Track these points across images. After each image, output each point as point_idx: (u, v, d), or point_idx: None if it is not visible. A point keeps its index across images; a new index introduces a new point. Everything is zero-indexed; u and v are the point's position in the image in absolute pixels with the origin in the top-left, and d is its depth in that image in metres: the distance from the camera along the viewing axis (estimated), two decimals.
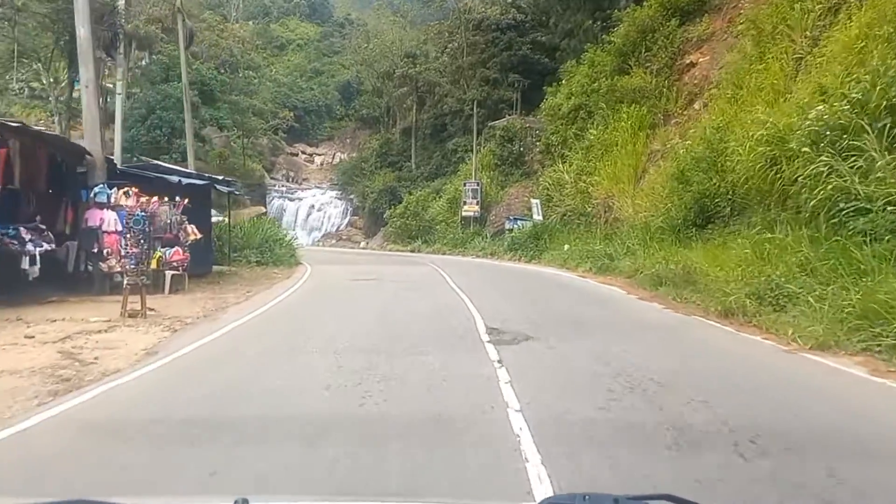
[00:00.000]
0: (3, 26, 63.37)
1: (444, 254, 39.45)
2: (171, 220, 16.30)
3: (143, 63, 65.88)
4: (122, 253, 12.46)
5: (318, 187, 74.22)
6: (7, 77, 78.68)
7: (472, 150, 54.92)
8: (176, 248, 16.28)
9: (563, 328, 11.84)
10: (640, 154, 30.47)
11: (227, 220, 27.18)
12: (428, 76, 61.94)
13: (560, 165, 35.16)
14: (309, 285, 19.30)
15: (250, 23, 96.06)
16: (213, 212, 44.48)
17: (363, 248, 49.13)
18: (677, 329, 12.22)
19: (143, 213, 12.31)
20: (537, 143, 39.95)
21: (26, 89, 76.84)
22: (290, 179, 79.67)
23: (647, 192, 27.41)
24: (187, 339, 10.36)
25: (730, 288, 13.87)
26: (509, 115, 50.66)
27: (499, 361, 8.75)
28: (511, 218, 37.57)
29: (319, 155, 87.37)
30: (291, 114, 75.23)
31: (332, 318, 12.42)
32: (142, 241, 12.12)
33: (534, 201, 35.67)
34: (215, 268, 22.29)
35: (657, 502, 1.83)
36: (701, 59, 31.80)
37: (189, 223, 17.44)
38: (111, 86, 65.42)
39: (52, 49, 61.50)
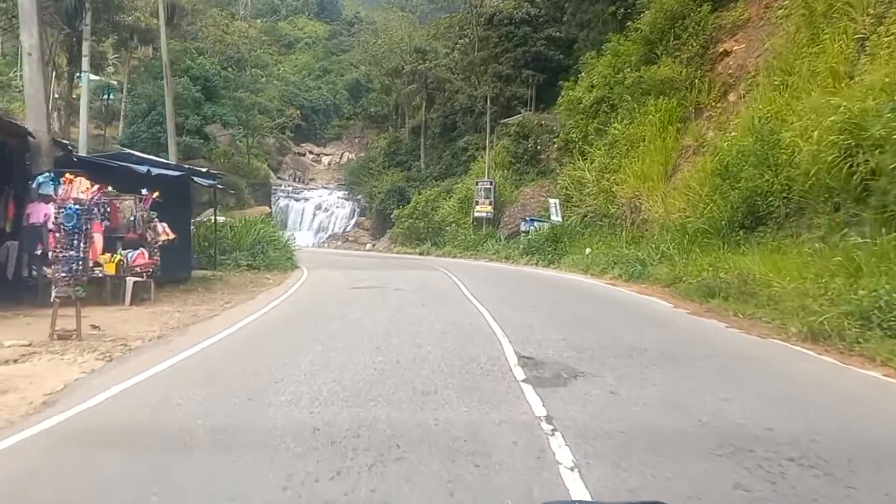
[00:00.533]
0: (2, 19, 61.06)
1: (454, 257, 36.59)
2: (135, 216, 13.52)
3: (149, 58, 63.53)
4: (51, 257, 9.65)
5: (325, 187, 71.53)
6: (11, 73, 76.55)
7: (483, 149, 52.12)
8: (140, 250, 13.51)
9: (615, 357, 8.99)
10: (670, 150, 27.60)
11: (221, 218, 24.52)
12: (438, 73, 59.09)
13: (580, 163, 32.26)
14: (300, 295, 16.43)
15: (258, 21, 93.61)
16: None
17: (369, 251, 46.04)
18: (762, 360, 9.34)
19: (75, 207, 9.47)
20: (555, 140, 37.06)
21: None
22: (298, 179, 77.07)
23: (680, 191, 24.52)
24: (115, 376, 7.54)
25: (816, 304, 11.01)
26: (523, 112, 47.77)
27: (546, 419, 5.94)
28: (527, 219, 34.66)
29: (327, 155, 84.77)
30: (298, 111, 72.64)
31: (319, 342, 9.58)
32: (76, 241, 9.30)
33: (552, 201, 32.75)
34: (199, 273, 19.53)
35: None
36: (736, 48, 28.92)
37: (161, 221, 14.63)
38: (115, 83, 63.00)
39: (52, 44, 59.12)
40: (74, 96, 71.03)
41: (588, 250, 27.47)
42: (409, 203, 47.05)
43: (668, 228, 22.87)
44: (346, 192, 66.44)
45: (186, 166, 21.30)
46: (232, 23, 72.21)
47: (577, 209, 31.59)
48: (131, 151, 21.28)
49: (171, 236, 14.62)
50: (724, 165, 20.48)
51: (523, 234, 33.68)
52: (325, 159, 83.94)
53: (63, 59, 59.63)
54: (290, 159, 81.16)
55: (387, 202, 56.18)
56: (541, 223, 32.96)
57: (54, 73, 60.11)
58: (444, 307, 14.17)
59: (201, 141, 54.65)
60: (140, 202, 13.93)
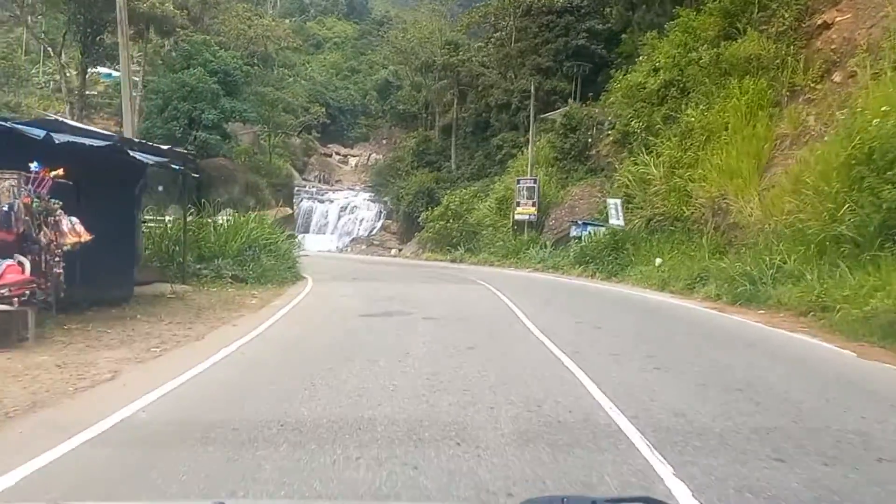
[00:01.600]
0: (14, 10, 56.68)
1: (491, 265, 31.08)
2: (12, 205, 8.17)
3: (166, 49, 58.79)
4: None
5: (351, 189, 66.31)
6: (33, 70, 72.13)
7: (521, 147, 46.69)
8: (14, 259, 8.16)
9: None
10: (762, 139, 21.83)
11: (197, 217, 19.24)
12: (471, 67, 53.52)
13: (644, 157, 26.49)
14: (282, 329, 10.93)
15: (286, 20, 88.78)
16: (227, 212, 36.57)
17: (395, 256, 40.16)
18: None
19: None
20: (609, 133, 31.24)
21: (51, 83, 69.95)
22: (323, 181, 72.04)
23: (784, 188, 18.76)
24: None
25: None
26: (562, 107, 42.08)
27: None
28: (578, 223, 28.88)
29: (354, 156, 79.70)
30: (323, 108, 67.49)
31: (266, 471, 4.12)
32: None
33: (612, 202, 26.92)
34: (162, 287, 14.14)
35: None
36: (839, 19, 23.10)
37: (70, 215, 9.24)
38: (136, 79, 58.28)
39: (64, 33, 54.46)
40: (88, 92, 66.72)
41: (658, 261, 21.81)
42: (439, 204, 41.55)
43: (781, 236, 17.11)
44: (373, 194, 61.12)
45: (129, 138, 15.94)
46: (258, 18, 67.13)
47: (641, 211, 25.87)
48: (57, 117, 15.58)
49: (83, 238, 9.17)
50: (867, 152, 14.74)
51: (574, 241, 27.95)
52: (352, 160, 78.88)
53: (76, 51, 55.05)
54: (316, 160, 76.27)
55: (415, 204, 50.83)
56: (596, 227, 27.22)
57: (74, 70, 55.60)
58: (505, 355, 8.68)
59: (219, 137, 49.54)
60: (29, 184, 8.56)
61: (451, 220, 34.90)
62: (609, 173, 30.41)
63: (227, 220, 20.51)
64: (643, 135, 27.28)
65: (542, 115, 41.48)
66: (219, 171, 56.71)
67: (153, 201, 21.87)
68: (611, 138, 30.81)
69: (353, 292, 16.95)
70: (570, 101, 42.36)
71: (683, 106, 25.51)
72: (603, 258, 24.75)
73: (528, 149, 39.28)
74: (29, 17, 53.65)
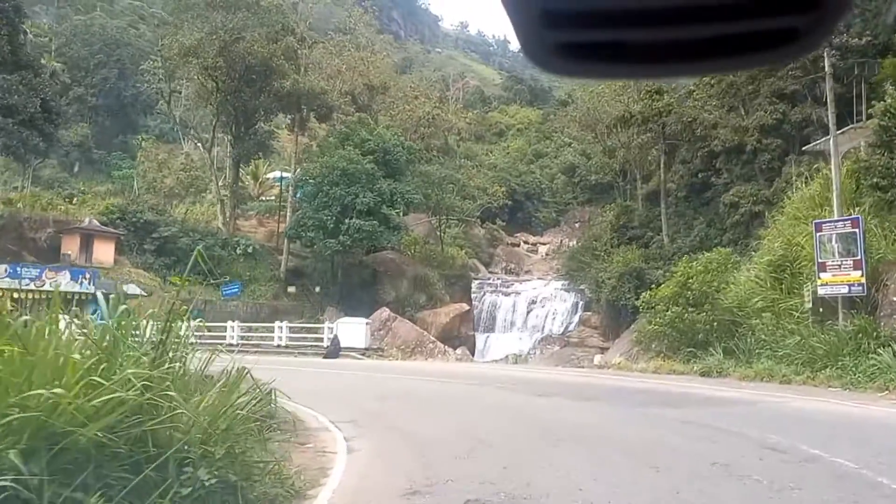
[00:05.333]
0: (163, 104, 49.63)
1: (780, 381, 15.38)
2: None
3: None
4: None
5: (541, 279, 52.11)
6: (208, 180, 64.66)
7: (767, 203, 30.86)
8: None
9: None
10: None
11: None
12: (681, 111, 38.40)
13: None
14: None
15: (470, 112, 78.73)
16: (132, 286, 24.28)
17: (600, 367, 23.63)
18: None
19: None
20: None
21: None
22: (510, 272, 58.70)
23: None
24: None
25: None
26: (818, 139, 25.80)
27: None
28: None
29: (543, 244, 66.10)
30: (503, 189, 54.62)
31: None
32: None
33: None
34: None
35: None
36: None
37: None
38: (288, 175, 48.59)
39: (214, 123, 46.26)
40: (265, 198, 58.82)
41: None
42: (658, 284, 26.15)
43: None
44: (566, 282, 46.48)
45: None
46: (427, 101, 56.50)
47: None
48: None
49: None
50: None
51: None
52: (542, 249, 65.25)
53: (227, 142, 46.76)
54: (503, 251, 63.48)
55: (620, 290, 35.92)
56: None
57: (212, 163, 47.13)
58: None
59: (376, 223, 37.71)
60: None
61: (690, 303, 19.06)
62: None
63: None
64: None
65: (809, 146, 25.59)
66: (385, 265, 45.03)
67: None
68: None
69: None
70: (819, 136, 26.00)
71: None
72: None
73: (788, 199, 23.50)
74: (177, 114, 46.34)
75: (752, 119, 33.17)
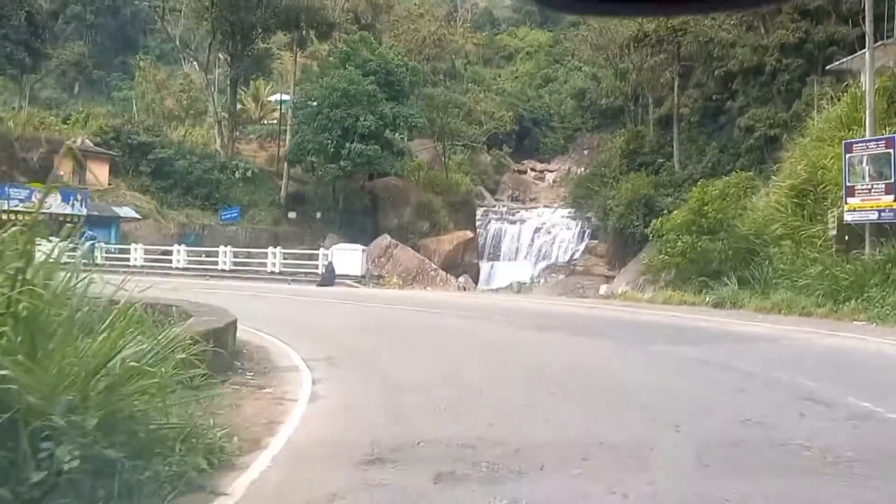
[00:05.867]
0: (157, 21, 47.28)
1: (799, 314, 14.12)
2: None
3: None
4: None
5: (547, 206, 50.57)
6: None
7: (784, 127, 29.05)
8: None
9: None
10: None
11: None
12: (697, 30, 35.96)
13: None
14: None
15: (479, 33, 75.36)
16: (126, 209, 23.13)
17: (606, 297, 22.02)
18: None
19: None
20: None
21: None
22: (516, 199, 57.13)
23: None
24: None
25: None
26: (843, 58, 23.74)
27: None
28: None
29: (551, 171, 64.03)
30: (510, 114, 52.38)
31: None
32: None
33: None
34: None
35: None
36: None
37: None
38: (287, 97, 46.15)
39: (210, 41, 43.94)
40: (266, 121, 56.58)
41: None
42: (668, 211, 24.61)
43: None
44: (573, 210, 44.90)
45: None
46: (422, 15, 53.58)
47: None
48: None
49: None
50: None
51: None
52: (549, 176, 63.24)
53: (224, 61, 44.51)
54: (509, 178, 61.62)
55: (628, 217, 34.51)
56: None
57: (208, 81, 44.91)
58: None
59: (377, 148, 36.02)
60: None
61: (704, 231, 17.43)
62: None
63: None
64: None
65: (833, 64, 23.61)
66: (388, 191, 43.46)
67: None
68: None
69: None
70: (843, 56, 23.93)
71: None
72: None
73: (811, 121, 21.70)
74: (176, 33, 43.82)
75: (772, 38, 30.97)
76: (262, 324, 10.91)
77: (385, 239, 32.46)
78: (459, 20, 76.22)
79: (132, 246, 27.57)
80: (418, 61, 47.21)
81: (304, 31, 40.96)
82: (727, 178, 18.99)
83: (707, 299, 16.51)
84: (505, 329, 12.56)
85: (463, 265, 39.46)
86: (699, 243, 17.46)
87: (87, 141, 33.60)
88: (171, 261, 25.57)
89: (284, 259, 26.30)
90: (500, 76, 72.57)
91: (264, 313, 13.07)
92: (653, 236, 20.47)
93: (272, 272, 24.99)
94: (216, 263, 25.95)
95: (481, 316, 14.69)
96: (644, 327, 13.33)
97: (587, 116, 55.86)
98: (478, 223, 45.35)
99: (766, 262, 16.57)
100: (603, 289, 22.31)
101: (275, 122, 51.55)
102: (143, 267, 26.51)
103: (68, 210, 28.97)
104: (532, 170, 64.93)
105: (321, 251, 25.66)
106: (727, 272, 17.01)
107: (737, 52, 32.08)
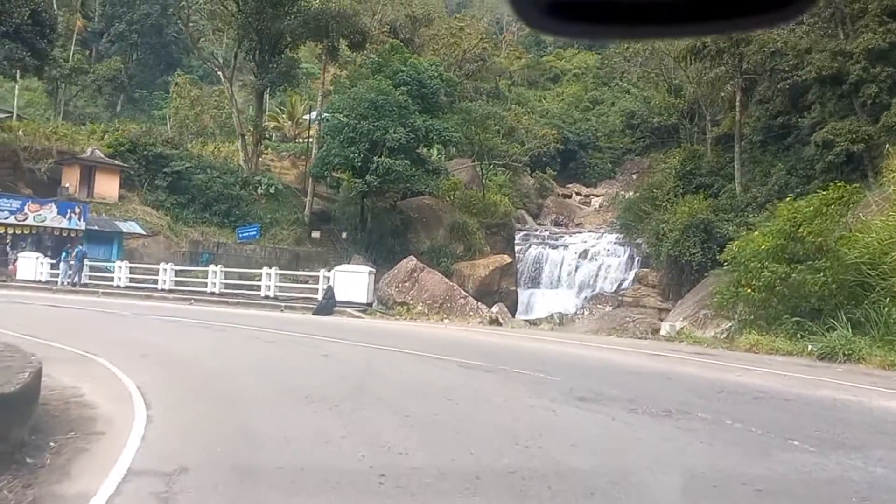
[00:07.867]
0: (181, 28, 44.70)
1: None
2: None
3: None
4: None
5: (592, 231, 46.21)
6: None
7: (870, 143, 24.55)
8: None
9: None
10: None
11: None
12: (763, 39, 31.57)
13: None
14: None
15: (521, 58, 71.95)
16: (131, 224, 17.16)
17: (670, 338, 17.14)
18: None
19: None
20: None
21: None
22: (560, 224, 52.86)
23: None
24: None
25: None
26: None
27: None
28: None
29: (597, 195, 59.68)
30: (553, 132, 48.38)
31: None
32: None
33: None
34: None
35: None
36: None
37: None
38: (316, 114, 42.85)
39: (235, 53, 41.06)
40: (301, 139, 53.67)
41: None
42: (730, 239, 20.11)
43: None
44: (621, 235, 40.53)
45: None
46: (465, 27, 50.20)
47: None
48: None
49: None
50: None
51: None
52: (595, 201, 58.87)
53: (251, 71, 41.52)
54: (553, 202, 57.38)
55: (683, 244, 30.23)
56: None
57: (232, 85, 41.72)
58: None
59: (407, 163, 32.42)
60: None
61: (798, 258, 12.86)
62: None
63: None
64: None
65: None
66: (420, 211, 39.69)
67: None
68: None
69: None
70: None
71: None
72: None
73: None
74: (217, 51, 41.21)
75: (856, 43, 26.43)
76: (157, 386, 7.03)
77: (411, 261, 28.60)
78: (504, 42, 73.09)
79: (116, 264, 24.40)
80: (458, 77, 43.77)
81: (334, 41, 37.79)
82: (823, 193, 14.52)
83: (809, 348, 12.05)
84: (523, 399, 8.15)
85: (499, 292, 35.41)
86: (794, 274, 13.08)
87: (98, 152, 30.79)
88: (156, 281, 22.20)
89: (280, 282, 22.60)
90: (545, 98, 68.96)
91: (184, 362, 9.23)
92: (729, 264, 15.90)
93: (266, 296, 21.27)
94: (205, 286, 22.40)
95: (497, 368, 10.27)
96: (755, 405, 8.41)
97: (637, 136, 51.39)
98: (517, 247, 41.28)
99: (888, 300, 12.12)
100: (664, 328, 17.77)
101: (311, 139, 48.80)
102: (126, 287, 23.15)
103: (65, 224, 25.91)
104: (577, 194, 60.72)
105: (321, 273, 21.87)
106: (832, 312, 12.57)
107: (813, 58, 27.54)
